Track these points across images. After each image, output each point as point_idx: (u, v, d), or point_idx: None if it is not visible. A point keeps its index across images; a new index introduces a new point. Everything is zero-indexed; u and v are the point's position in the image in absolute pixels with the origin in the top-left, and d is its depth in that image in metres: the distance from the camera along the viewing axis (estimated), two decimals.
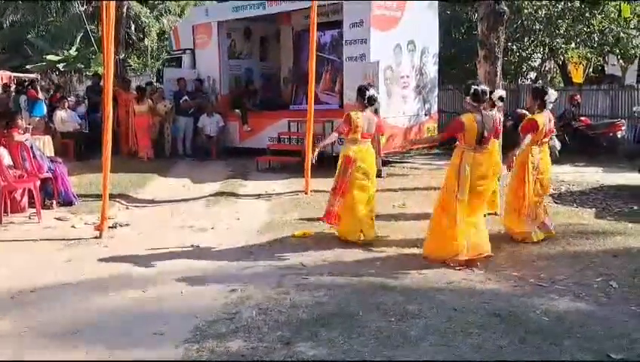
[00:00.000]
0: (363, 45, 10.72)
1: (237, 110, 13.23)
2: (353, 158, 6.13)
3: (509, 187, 6.38)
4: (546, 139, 6.31)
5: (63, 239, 6.56)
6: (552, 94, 6.20)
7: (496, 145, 6.87)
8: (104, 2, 6.67)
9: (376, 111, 9.81)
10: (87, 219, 7.38)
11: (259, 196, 8.99)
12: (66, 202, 8.18)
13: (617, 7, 13.58)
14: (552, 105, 6.27)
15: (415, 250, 5.87)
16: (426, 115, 11.82)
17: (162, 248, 6.14)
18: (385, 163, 11.05)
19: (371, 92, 6.23)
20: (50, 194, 8.09)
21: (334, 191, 6.22)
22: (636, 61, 17.04)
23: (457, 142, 5.60)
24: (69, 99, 14.41)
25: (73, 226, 7.17)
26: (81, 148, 12.68)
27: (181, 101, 13.30)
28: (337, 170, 6.24)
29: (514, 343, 3.73)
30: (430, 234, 5.66)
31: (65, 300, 4.70)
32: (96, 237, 6.55)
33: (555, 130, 6.77)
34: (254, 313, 4.27)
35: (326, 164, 10.27)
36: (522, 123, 6.26)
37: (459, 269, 5.27)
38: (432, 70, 11.91)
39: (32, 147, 8.00)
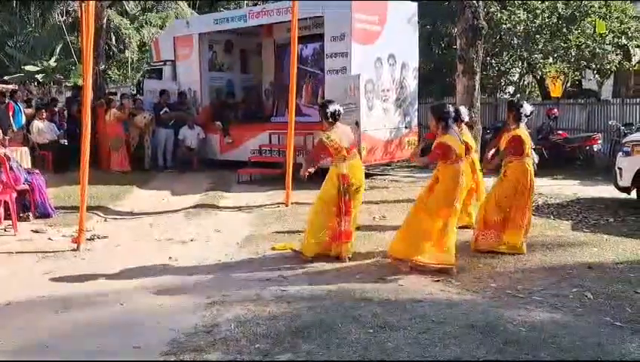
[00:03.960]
0: (344, 58, 10.82)
1: (218, 122, 13.22)
2: (348, 176, 5.90)
3: (516, 203, 6.22)
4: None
5: (40, 251, 6.47)
6: (527, 108, 6.30)
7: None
8: (84, 14, 6.65)
9: (357, 124, 9.98)
10: (65, 232, 7.30)
11: (239, 208, 8.97)
12: (43, 214, 8.08)
13: (593, 23, 13.87)
14: (527, 118, 6.36)
15: (394, 262, 5.89)
16: (406, 127, 11.91)
17: (141, 261, 6.08)
18: (366, 175, 11.07)
19: (333, 107, 5.98)
20: (27, 206, 7.98)
21: (339, 212, 5.90)
22: (612, 76, 17.37)
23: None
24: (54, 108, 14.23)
25: (50, 239, 7.08)
26: (59, 160, 12.53)
27: (161, 113, 13.25)
28: (334, 190, 5.92)
29: (491, 354, 3.76)
30: (405, 237, 5.70)
31: (41, 313, 4.63)
32: (73, 250, 6.48)
33: (532, 143, 6.89)
34: (233, 325, 4.25)
35: (308, 176, 10.32)
36: (508, 142, 6.27)
37: (436, 280, 5.31)
38: (412, 84, 12.03)
39: (8, 158, 7.90)
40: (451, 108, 5.79)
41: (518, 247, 6.17)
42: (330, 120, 5.99)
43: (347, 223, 5.96)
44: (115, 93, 15.04)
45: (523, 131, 6.25)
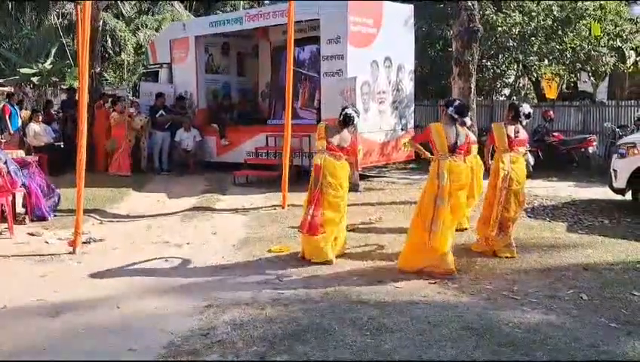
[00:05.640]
0: (340, 61, 10.83)
1: (214, 124, 13.22)
2: (321, 166, 6.00)
3: (485, 196, 6.49)
4: (522, 149, 6.44)
5: (36, 255, 6.47)
6: (525, 107, 6.38)
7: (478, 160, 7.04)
8: (80, 16, 6.66)
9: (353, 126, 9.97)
10: (61, 235, 7.29)
11: (236, 210, 8.97)
12: (39, 217, 8.07)
13: (588, 25, 13.93)
14: (526, 120, 6.40)
15: (391, 264, 5.92)
16: (402, 130, 11.93)
17: (137, 263, 6.09)
18: (362, 177, 11.12)
19: (345, 111, 6.12)
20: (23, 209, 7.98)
21: (308, 202, 6.07)
22: (607, 78, 17.44)
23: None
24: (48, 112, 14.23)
25: (46, 242, 7.07)
26: (54, 163, 12.52)
27: (157, 115, 13.25)
28: (310, 180, 6.17)
29: (487, 355, 3.78)
30: (411, 248, 5.75)
31: (37, 316, 4.62)
32: (70, 253, 6.47)
33: (527, 143, 6.91)
34: (229, 328, 4.26)
35: (303, 178, 10.34)
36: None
37: (433, 283, 5.33)
38: (408, 86, 12.05)
39: (5, 162, 7.89)
40: (457, 102, 5.85)
41: (482, 236, 6.28)
42: (342, 122, 6.15)
43: (316, 216, 5.96)
44: (114, 95, 15.04)
45: (500, 127, 6.34)
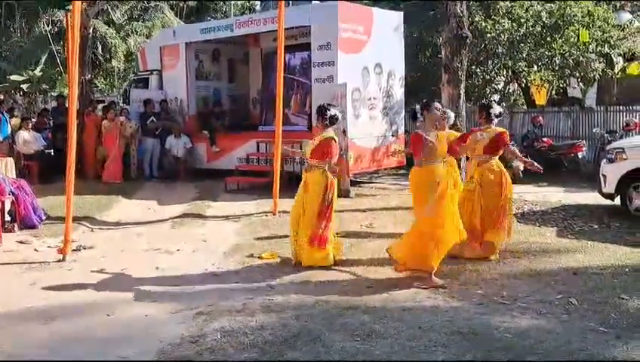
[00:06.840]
0: (331, 67, 10.87)
1: (205, 131, 13.21)
2: (334, 183, 6.11)
3: (493, 204, 6.30)
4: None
5: (26, 262, 6.43)
6: (496, 108, 6.48)
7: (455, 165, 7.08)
8: (70, 22, 6.64)
9: (344, 132, 10.01)
10: (51, 242, 7.25)
11: (227, 217, 8.96)
12: (29, 226, 8.01)
13: (576, 32, 14.06)
14: (497, 119, 6.47)
15: (382, 269, 5.92)
16: (392, 135, 11.99)
17: (127, 271, 6.06)
18: (353, 183, 11.13)
19: (333, 111, 6.10)
20: (12, 217, 7.92)
21: (320, 216, 5.99)
22: (595, 84, 17.56)
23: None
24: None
25: (36, 250, 7.03)
26: (44, 170, 12.46)
27: (147, 122, 13.22)
28: (320, 195, 6.03)
29: (477, 360, 3.79)
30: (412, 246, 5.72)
31: (27, 324, 4.59)
32: (59, 261, 6.43)
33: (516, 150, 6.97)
34: (219, 335, 4.24)
35: (295, 184, 10.33)
36: (494, 139, 6.39)
37: (424, 288, 5.33)
38: (398, 92, 12.11)
39: None
40: (437, 105, 5.91)
41: (496, 247, 6.26)
42: (327, 123, 6.11)
43: (327, 229, 6.03)
44: (107, 101, 14.99)
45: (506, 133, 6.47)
